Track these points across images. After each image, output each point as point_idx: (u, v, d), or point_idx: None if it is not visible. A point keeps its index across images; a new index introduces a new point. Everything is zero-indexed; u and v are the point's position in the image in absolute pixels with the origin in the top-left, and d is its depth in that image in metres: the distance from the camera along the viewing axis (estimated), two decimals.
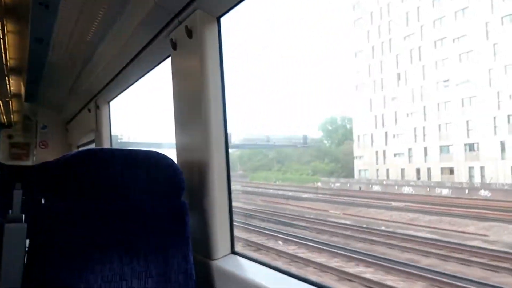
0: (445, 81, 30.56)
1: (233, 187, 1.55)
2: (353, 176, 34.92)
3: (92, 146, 4.00)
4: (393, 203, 16.85)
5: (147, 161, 1.30)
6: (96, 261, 1.16)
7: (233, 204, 1.52)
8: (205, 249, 1.46)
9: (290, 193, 23.24)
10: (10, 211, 2.48)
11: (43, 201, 1.21)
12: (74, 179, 1.19)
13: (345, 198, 20.02)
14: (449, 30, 30.44)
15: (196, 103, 1.53)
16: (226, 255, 1.46)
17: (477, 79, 27.73)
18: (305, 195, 22.37)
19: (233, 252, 1.49)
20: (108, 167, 1.23)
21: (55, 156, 4.94)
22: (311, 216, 14.28)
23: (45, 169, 2.72)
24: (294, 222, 12.72)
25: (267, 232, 10.89)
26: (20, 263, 1.14)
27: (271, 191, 25.27)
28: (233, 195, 1.53)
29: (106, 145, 3.48)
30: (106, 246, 1.19)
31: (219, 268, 1.37)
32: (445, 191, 22.21)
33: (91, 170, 1.21)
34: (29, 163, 7.58)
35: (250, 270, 1.33)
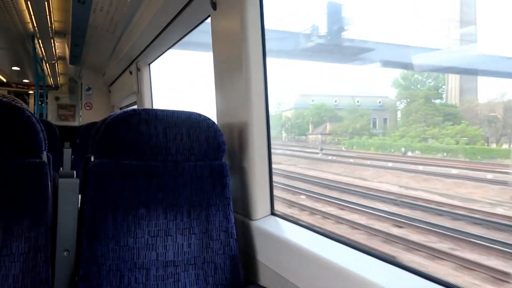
0: None
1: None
2: None
3: (134, 107, 4.12)
4: None
5: (188, 122, 1.32)
6: (143, 216, 1.22)
7: None
8: (245, 210, 1.49)
9: None
10: (61, 168, 2.65)
11: (92, 159, 1.26)
12: (120, 138, 1.24)
13: None
14: None
15: (236, 64, 1.52)
16: (265, 216, 1.49)
17: None
18: None
19: (273, 213, 1.52)
20: (151, 126, 1.27)
21: (99, 117, 5.12)
22: None
23: (93, 128, 2.85)
24: None
25: None
26: (75, 216, 1.22)
27: None
28: None
29: (147, 107, 3.56)
30: (151, 203, 1.25)
31: (258, 228, 1.41)
32: None
33: (135, 129, 1.25)
34: (75, 124, 7.94)
35: (290, 231, 1.36)
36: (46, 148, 1.18)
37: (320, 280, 1.08)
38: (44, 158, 1.17)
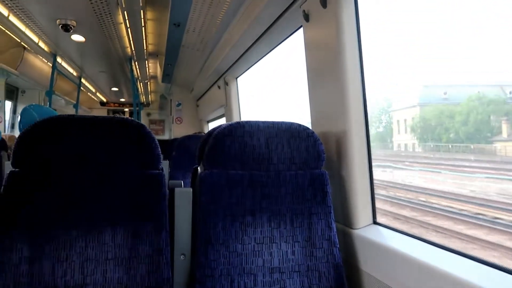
0: None
1: None
2: None
3: (222, 120, 4.31)
4: None
5: (288, 132, 1.36)
6: (249, 224, 1.28)
7: None
8: (346, 218, 1.48)
9: None
10: None
11: (199, 170, 1.35)
12: (226, 149, 1.31)
13: None
14: None
15: (332, 73, 1.53)
16: (367, 225, 1.46)
17: None
18: None
19: (375, 222, 1.48)
20: (254, 137, 1.33)
21: (189, 130, 5.40)
22: None
23: (188, 141, 3.04)
24: None
25: None
26: (189, 222, 1.31)
27: None
28: None
29: (236, 119, 3.69)
30: (256, 210, 1.30)
31: (361, 237, 1.39)
32: None
33: (239, 140, 1.32)
34: (165, 137, 8.51)
35: (394, 240, 1.32)
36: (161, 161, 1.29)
37: None
38: (161, 169, 1.28)
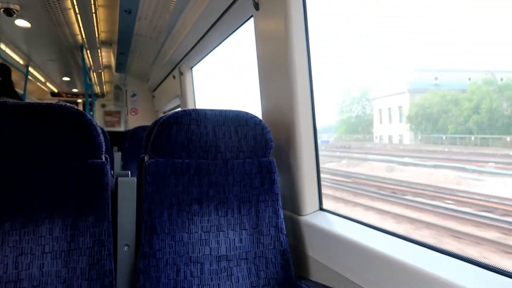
0: None
1: None
2: None
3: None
4: None
5: (236, 120, 1.36)
6: (196, 212, 1.27)
7: None
8: (293, 205, 1.51)
9: None
10: (111, 171, 2.78)
11: (146, 159, 1.32)
12: (172, 138, 1.29)
13: None
14: None
15: (281, 64, 1.54)
16: (314, 212, 1.49)
17: None
18: None
19: (321, 208, 1.52)
20: (201, 125, 1.32)
21: (145, 122, 5.29)
22: None
23: (142, 132, 2.97)
24: None
25: None
26: (133, 213, 1.28)
27: None
28: None
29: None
30: (203, 199, 1.29)
31: (308, 223, 1.42)
32: None
33: (186, 129, 1.30)
34: (121, 129, 8.26)
35: (340, 225, 1.36)
36: (104, 150, 1.25)
37: (374, 273, 1.07)
38: (104, 159, 1.24)
